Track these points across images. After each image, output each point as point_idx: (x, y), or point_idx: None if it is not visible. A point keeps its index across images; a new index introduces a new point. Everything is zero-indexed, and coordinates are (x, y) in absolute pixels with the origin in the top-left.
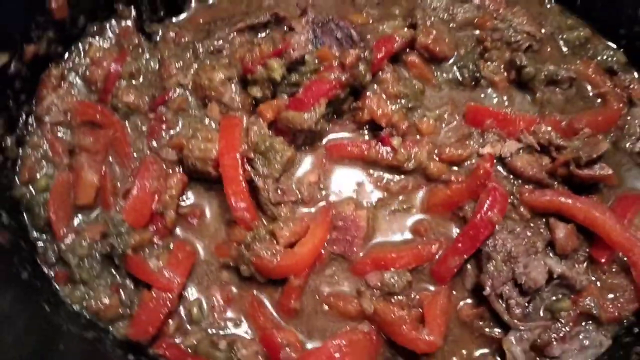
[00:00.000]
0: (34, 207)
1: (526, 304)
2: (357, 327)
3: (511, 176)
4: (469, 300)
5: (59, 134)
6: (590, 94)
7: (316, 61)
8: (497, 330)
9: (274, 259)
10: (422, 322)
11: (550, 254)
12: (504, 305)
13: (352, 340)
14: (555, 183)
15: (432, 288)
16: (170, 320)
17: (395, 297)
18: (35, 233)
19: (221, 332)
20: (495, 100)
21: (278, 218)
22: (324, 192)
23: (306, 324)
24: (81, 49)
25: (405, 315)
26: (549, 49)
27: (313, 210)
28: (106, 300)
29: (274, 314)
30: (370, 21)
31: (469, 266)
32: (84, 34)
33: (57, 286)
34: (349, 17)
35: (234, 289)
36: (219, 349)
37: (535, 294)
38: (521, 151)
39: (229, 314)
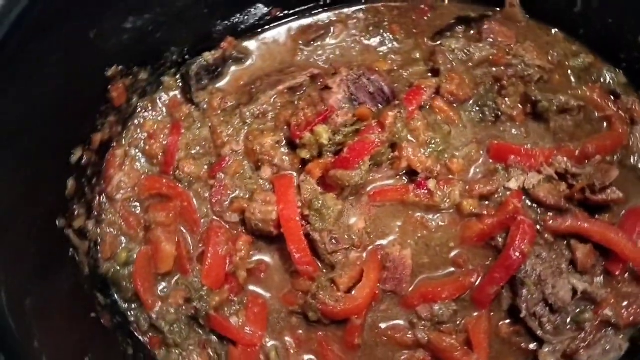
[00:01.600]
0: (120, 281)
1: (556, 320)
2: (414, 354)
3: (534, 205)
4: (506, 320)
5: (131, 209)
6: (597, 116)
7: (355, 119)
8: (532, 344)
9: (338, 305)
10: (468, 345)
11: (572, 271)
12: (537, 323)
13: None
14: (571, 206)
15: (474, 312)
16: None
17: (445, 325)
18: (124, 304)
19: None
20: (514, 132)
21: (335, 265)
22: (371, 236)
23: (369, 355)
24: (137, 124)
25: (456, 342)
26: (557, 77)
27: (364, 254)
28: (198, 358)
29: (340, 350)
30: (395, 67)
31: (503, 291)
32: (137, 111)
33: (154, 351)
34: (375, 64)
35: (303, 332)
36: None
37: (563, 310)
38: (541, 181)
39: (303, 355)
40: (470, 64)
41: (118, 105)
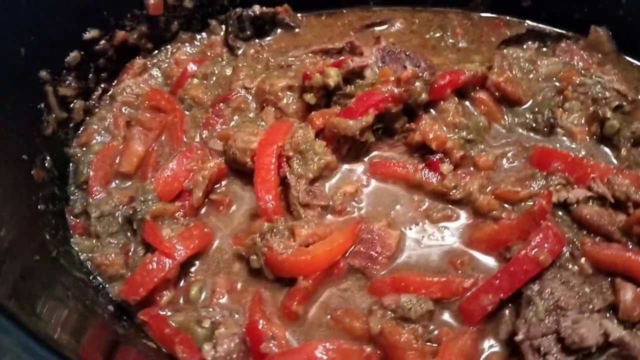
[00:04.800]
0: (80, 165)
1: None
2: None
3: (575, 225)
4: (496, 349)
5: (123, 110)
6: None
7: (376, 77)
8: None
9: (285, 253)
10: (433, 358)
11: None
12: (536, 357)
13: (343, 349)
14: (629, 243)
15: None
16: (165, 292)
17: (411, 325)
18: (73, 187)
19: (212, 315)
20: (570, 147)
21: (301, 219)
22: (359, 206)
23: (305, 332)
24: (170, 51)
25: (413, 341)
26: None
27: (342, 220)
28: (112, 257)
29: (275, 315)
30: (447, 63)
31: (507, 312)
32: (175, 39)
33: (70, 234)
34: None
35: (240, 283)
36: (201, 326)
37: (580, 354)
38: (591, 201)
39: (227, 303)
40: (533, 75)
41: (153, 14)
